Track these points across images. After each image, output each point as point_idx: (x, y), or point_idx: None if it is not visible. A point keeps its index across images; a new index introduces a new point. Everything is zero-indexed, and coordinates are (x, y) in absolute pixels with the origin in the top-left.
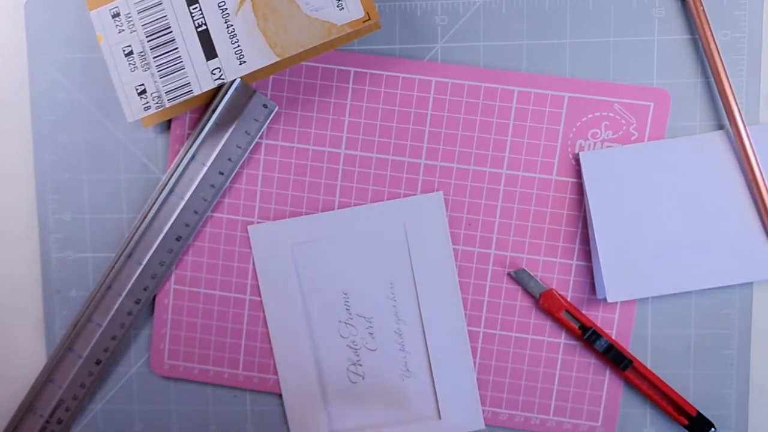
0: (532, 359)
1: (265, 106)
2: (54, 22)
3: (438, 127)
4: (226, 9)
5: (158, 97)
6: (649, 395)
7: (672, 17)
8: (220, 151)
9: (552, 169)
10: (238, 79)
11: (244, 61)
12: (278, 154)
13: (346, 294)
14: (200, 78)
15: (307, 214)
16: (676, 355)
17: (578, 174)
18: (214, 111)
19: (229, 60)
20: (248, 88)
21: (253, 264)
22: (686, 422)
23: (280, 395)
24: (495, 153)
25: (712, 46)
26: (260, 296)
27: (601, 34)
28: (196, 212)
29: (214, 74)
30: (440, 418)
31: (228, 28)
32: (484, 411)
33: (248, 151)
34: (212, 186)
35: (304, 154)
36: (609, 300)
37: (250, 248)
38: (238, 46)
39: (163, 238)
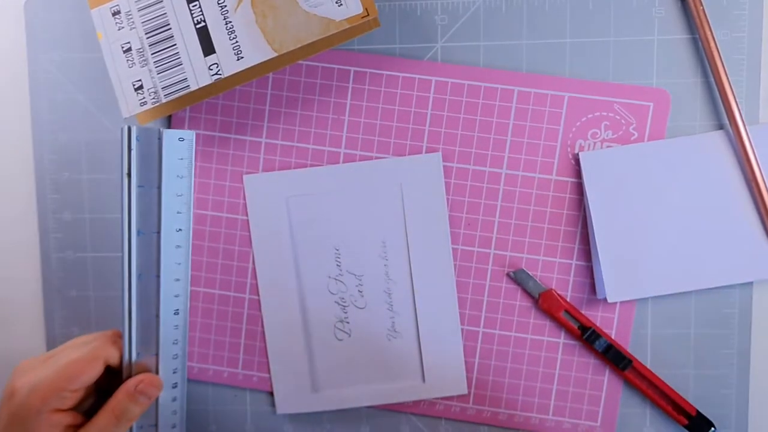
0: (531, 359)
1: (181, 139)
2: (54, 21)
3: (438, 127)
4: (225, 6)
5: (155, 92)
6: (648, 395)
7: (672, 17)
8: (163, 212)
9: (552, 169)
10: (135, 127)
11: (242, 57)
12: (278, 153)
13: (337, 250)
14: (197, 74)
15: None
16: (675, 355)
17: (578, 174)
18: (129, 175)
19: (227, 56)
20: (152, 130)
21: (247, 218)
22: (686, 422)
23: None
24: (495, 153)
25: (712, 45)
26: (258, 295)
27: (601, 34)
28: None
29: (212, 69)
30: (424, 380)
31: (227, 24)
32: (484, 411)
33: (192, 187)
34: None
35: (304, 153)
36: (609, 300)
37: (249, 231)
38: (236, 42)
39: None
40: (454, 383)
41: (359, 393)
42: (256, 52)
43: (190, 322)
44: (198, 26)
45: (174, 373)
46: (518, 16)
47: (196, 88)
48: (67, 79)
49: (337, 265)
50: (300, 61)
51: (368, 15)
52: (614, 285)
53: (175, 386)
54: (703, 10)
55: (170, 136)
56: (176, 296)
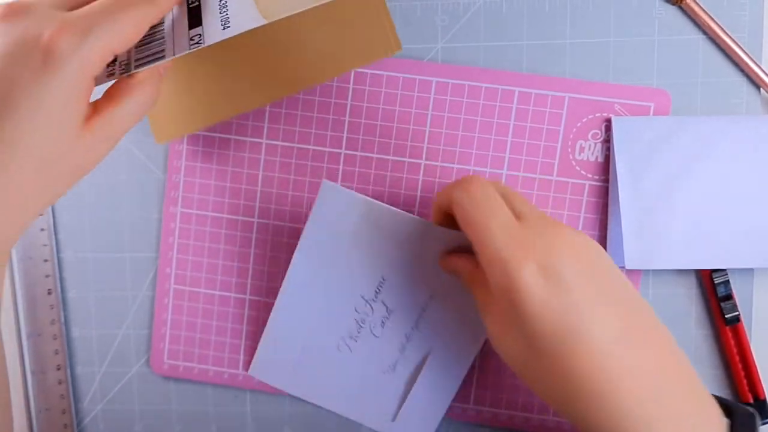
0: None
1: None
2: None
3: (438, 128)
4: None
5: (126, 64)
6: (733, 359)
7: (672, 17)
8: None
9: (552, 170)
10: None
11: (228, 26)
12: (278, 154)
13: (384, 279)
14: (176, 44)
15: (307, 214)
16: None
17: (578, 175)
18: None
19: (213, 26)
20: None
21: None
22: (751, 401)
23: (281, 395)
24: (495, 153)
25: (728, 40)
26: (258, 296)
27: (601, 34)
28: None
29: (193, 40)
30: (393, 420)
31: (220, 1)
32: (483, 411)
33: None
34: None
35: (304, 154)
36: (627, 267)
37: (253, 233)
38: (227, 14)
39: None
40: None
41: (330, 396)
42: (245, 20)
43: (191, 323)
44: (191, 5)
45: (56, 354)
46: (518, 16)
47: (171, 57)
48: None
49: (376, 291)
50: None
51: None
52: (633, 252)
53: (58, 368)
54: (702, 9)
55: None
56: (46, 276)
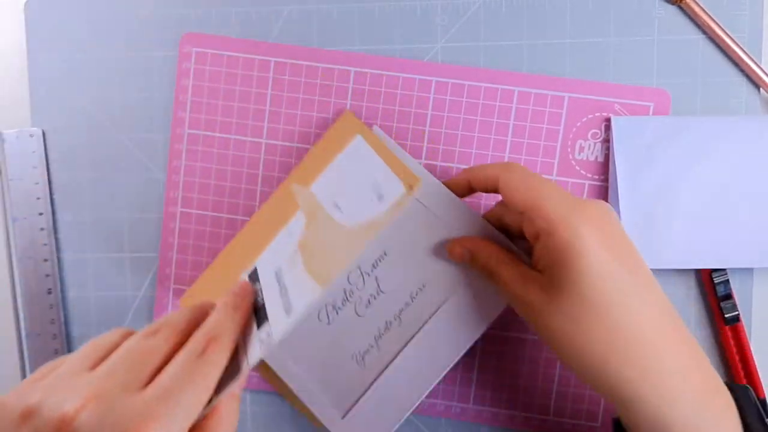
0: (531, 360)
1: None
2: (54, 21)
3: (438, 128)
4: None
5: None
6: (733, 359)
7: (672, 17)
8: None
9: (552, 170)
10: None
11: (291, 309)
12: (278, 153)
13: (385, 254)
14: (249, 354)
15: None
16: None
17: (578, 175)
18: None
19: (278, 316)
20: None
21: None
22: None
23: (280, 395)
24: (495, 153)
25: (728, 40)
26: None
27: (601, 34)
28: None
29: (263, 342)
30: (343, 418)
31: (281, 289)
32: (484, 411)
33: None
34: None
35: (304, 153)
36: None
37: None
38: (288, 298)
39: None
40: None
41: (294, 373)
42: (304, 295)
43: None
44: (259, 306)
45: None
46: (518, 16)
47: (247, 371)
48: (68, 79)
49: (374, 265)
50: (300, 62)
51: (412, 189)
52: None
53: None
54: (702, 9)
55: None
56: (46, 276)
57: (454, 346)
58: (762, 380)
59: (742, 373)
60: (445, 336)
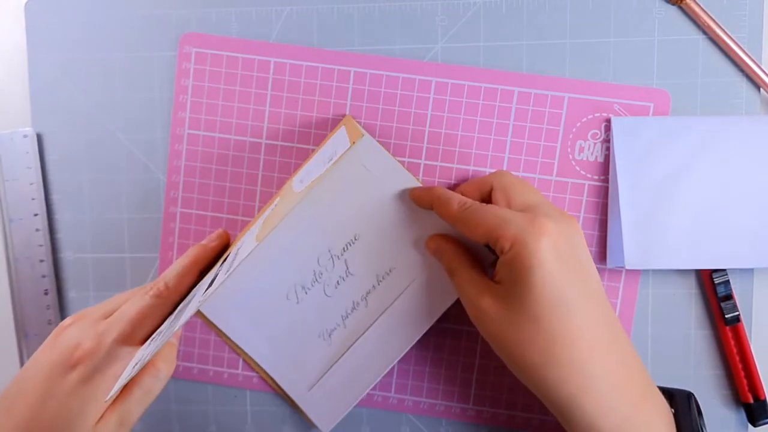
0: None
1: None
2: (54, 22)
3: (438, 128)
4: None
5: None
6: (733, 358)
7: (672, 17)
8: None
9: (552, 170)
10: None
11: (233, 267)
12: (278, 153)
13: (356, 239)
14: (188, 312)
15: None
16: (676, 355)
17: (578, 175)
18: None
19: (220, 279)
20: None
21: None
22: (751, 401)
23: (281, 396)
24: (495, 153)
25: (726, 38)
26: None
27: (601, 34)
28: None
29: (202, 298)
30: (309, 390)
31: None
32: (483, 411)
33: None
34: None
35: (304, 154)
36: (627, 267)
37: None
38: (233, 260)
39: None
40: (326, 417)
41: (259, 347)
42: (244, 253)
43: (191, 322)
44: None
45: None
46: (518, 16)
47: (180, 326)
48: (68, 79)
49: (344, 248)
50: (300, 62)
51: (354, 144)
52: (634, 251)
53: (46, 293)
54: (704, 10)
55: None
56: (43, 277)
57: (416, 326)
58: (762, 380)
59: (742, 374)
60: (407, 317)
